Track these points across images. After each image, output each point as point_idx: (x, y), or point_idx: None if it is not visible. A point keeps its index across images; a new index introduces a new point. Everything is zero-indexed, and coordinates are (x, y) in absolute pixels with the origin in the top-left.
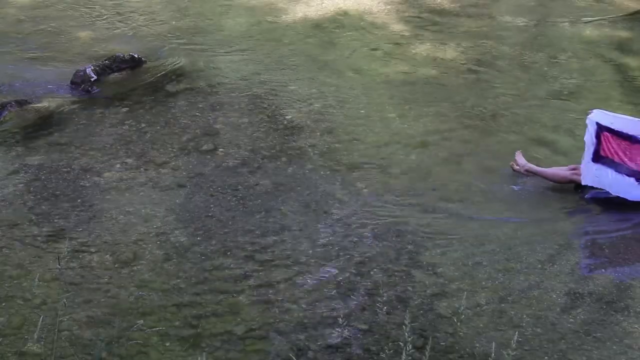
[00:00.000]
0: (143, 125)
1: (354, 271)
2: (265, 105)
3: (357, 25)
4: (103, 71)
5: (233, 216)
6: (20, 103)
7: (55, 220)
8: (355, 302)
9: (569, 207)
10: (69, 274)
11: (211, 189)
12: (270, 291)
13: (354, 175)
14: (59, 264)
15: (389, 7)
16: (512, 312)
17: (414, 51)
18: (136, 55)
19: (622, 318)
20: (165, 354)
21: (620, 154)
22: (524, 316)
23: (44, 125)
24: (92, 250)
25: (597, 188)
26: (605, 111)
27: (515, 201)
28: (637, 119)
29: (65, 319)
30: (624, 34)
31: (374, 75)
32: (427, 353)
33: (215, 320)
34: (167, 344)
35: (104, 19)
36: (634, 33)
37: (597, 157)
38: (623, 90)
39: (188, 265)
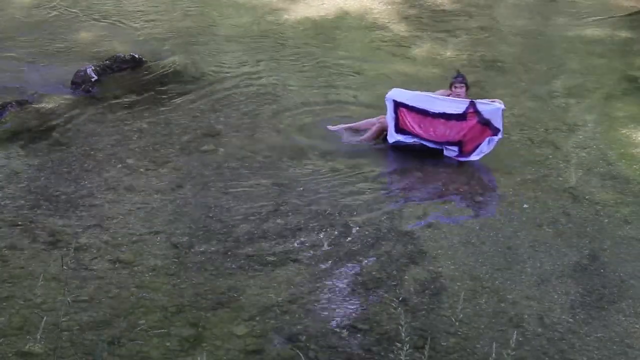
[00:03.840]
0: (144, 125)
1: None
2: (266, 106)
3: (358, 25)
4: (104, 71)
5: (234, 216)
6: (21, 103)
7: (56, 221)
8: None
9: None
10: (69, 274)
11: (212, 189)
12: (271, 291)
13: (355, 174)
14: (63, 265)
15: (389, 7)
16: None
17: (414, 51)
18: (137, 56)
19: (622, 318)
20: (166, 354)
21: (415, 126)
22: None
23: (44, 125)
24: (93, 250)
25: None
26: (401, 89)
27: None
28: (427, 94)
29: (66, 319)
30: (624, 33)
31: (374, 75)
32: (426, 353)
33: (215, 321)
34: (168, 344)
35: (104, 20)
36: (635, 33)
37: (398, 129)
38: (624, 90)
39: (188, 266)
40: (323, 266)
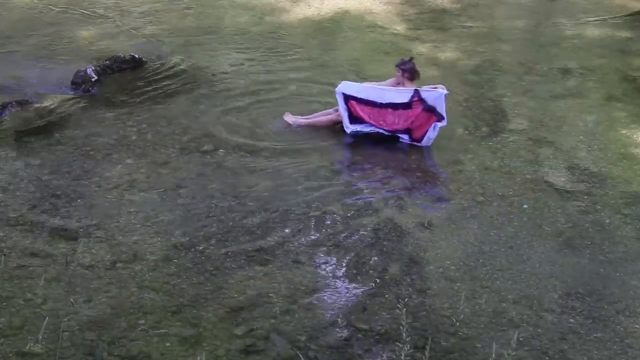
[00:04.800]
0: (144, 125)
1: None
2: (266, 106)
3: (358, 25)
4: (104, 71)
5: (234, 216)
6: (21, 103)
7: (56, 220)
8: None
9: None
10: (69, 274)
11: (211, 189)
12: (271, 291)
13: (355, 174)
14: (66, 266)
15: (389, 7)
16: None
17: (414, 51)
18: (137, 56)
19: (622, 318)
20: (166, 354)
21: (366, 117)
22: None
23: (44, 125)
24: (93, 250)
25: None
26: (350, 82)
27: None
28: (374, 86)
29: (66, 319)
30: (624, 33)
31: (375, 76)
32: (427, 353)
33: (215, 320)
34: (168, 344)
35: (104, 20)
36: (635, 33)
37: (353, 119)
38: (624, 90)
39: (189, 266)
40: (323, 266)
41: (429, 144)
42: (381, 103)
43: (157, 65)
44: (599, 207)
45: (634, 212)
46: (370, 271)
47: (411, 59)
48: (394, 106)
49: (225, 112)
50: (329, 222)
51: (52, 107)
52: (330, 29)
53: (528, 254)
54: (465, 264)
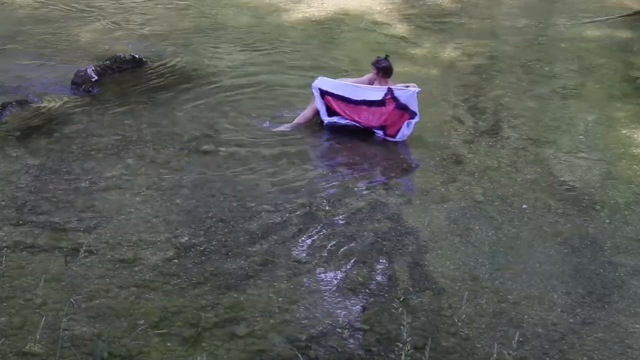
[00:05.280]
0: (144, 125)
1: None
2: (267, 106)
3: (358, 25)
4: (104, 71)
5: (234, 216)
6: (21, 103)
7: (56, 221)
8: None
9: None
10: (69, 274)
11: (212, 189)
12: (271, 291)
13: (355, 174)
14: (67, 266)
15: (390, 7)
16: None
17: (414, 51)
18: (137, 56)
19: (622, 318)
20: (167, 354)
21: (342, 112)
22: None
23: (44, 125)
24: (93, 250)
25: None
26: (326, 78)
27: None
28: (348, 82)
29: (66, 320)
30: (624, 34)
31: None
32: (427, 353)
33: (216, 321)
34: (168, 344)
35: (105, 20)
36: (635, 33)
37: (330, 113)
38: (624, 90)
39: (189, 266)
40: (323, 266)
41: (404, 139)
42: (356, 100)
43: (157, 65)
44: (599, 207)
45: (634, 212)
46: (371, 271)
47: (386, 57)
48: (368, 103)
49: (225, 112)
50: (329, 222)
51: (52, 107)
52: (330, 28)
53: (528, 254)
54: (466, 264)
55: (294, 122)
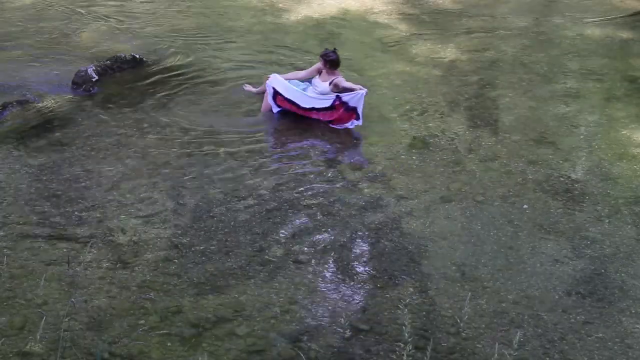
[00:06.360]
0: (144, 125)
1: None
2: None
3: (358, 25)
4: (104, 71)
5: (234, 216)
6: (22, 103)
7: (57, 221)
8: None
9: None
10: (69, 274)
11: (212, 189)
12: (271, 291)
13: (355, 174)
14: (67, 266)
15: (390, 7)
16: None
17: (415, 51)
18: (137, 56)
19: (623, 318)
20: (167, 354)
21: (291, 109)
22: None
23: (45, 125)
24: (94, 250)
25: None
26: (279, 78)
27: None
28: (298, 90)
29: (66, 319)
30: (625, 34)
31: (375, 75)
32: (428, 354)
33: (216, 321)
34: (169, 344)
35: (105, 20)
36: (635, 33)
37: (278, 106)
38: (624, 90)
39: (189, 266)
40: (324, 266)
41: (347, 127)
42: (304, 107)
43: (157, 65)
44: (599, 207)
45: (634, 212)
46: (371, 271)
47: (334, 50)
48: (317, 109)
49: (225, 112)
50: (330, 223)
51: (53, 107)
52: (330, 28)
53: (528, 254)
54: (466, 264)
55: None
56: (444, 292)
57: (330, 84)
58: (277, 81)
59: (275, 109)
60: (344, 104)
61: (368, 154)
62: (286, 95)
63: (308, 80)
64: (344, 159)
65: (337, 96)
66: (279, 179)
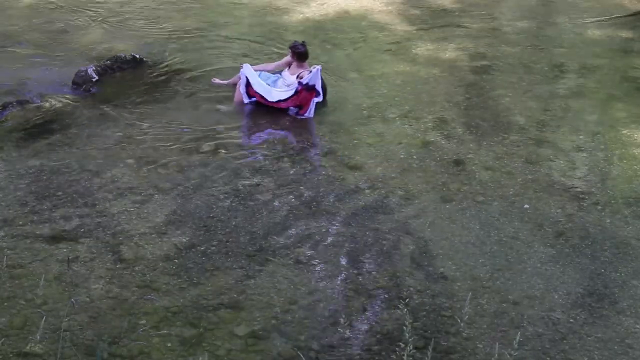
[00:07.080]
0: (144, 125)
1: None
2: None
3: (358, 25)
4: (104, 71)
5: (234, 216)
6: (22, 103)
7: (57, 220)
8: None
9: None
10: (70, 274)
11: (212, 189)
12: (272, 291)
13: (356, 174)
14: (67, 266)
15: (390, 7)
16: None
17: (415, 51)
18: (137, 56)
19: (623, 318)
20: (167, 354)
21: (260, 99)
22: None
23: (45, 125)
24: (94, 250)
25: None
26: (250, 68)
27: None
28: (265, 85)
29: (66, 320)
30: (625, 34)
31: (375, 75)
32: (429, 354)
33: (216, 321)
34: (169, 344)
35: (105, 20)
36: (635, 33)
37: (249, 96)
38: (624, 90)
39: (189, 266)
40: (324, 266)
41: (311, 116)
42: (271, 100)
43: (157, 65)
44: (599, 207)
45: (634, 212)
46: (371, 271)
47: (303, 42)
48: (284, 100)
49: (225, 111)
50: (330, 223)
51: (53, 107)
52: (330, 28)
53: (529, 254)
54: (466, 264)
55: (229, 81)
56: (444, 292)
57: (297, 77)
58: (248, 70)
59: (246, 100)
60: (304, 85)
61: (368, 153)
62: (254, 88)
63: (279, 72)
64: (344, 159)
65: (299, 82)
66: (279, 179)
